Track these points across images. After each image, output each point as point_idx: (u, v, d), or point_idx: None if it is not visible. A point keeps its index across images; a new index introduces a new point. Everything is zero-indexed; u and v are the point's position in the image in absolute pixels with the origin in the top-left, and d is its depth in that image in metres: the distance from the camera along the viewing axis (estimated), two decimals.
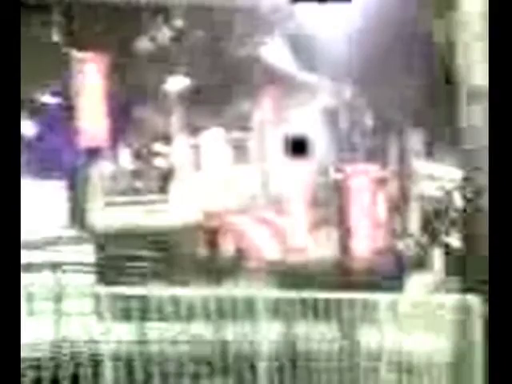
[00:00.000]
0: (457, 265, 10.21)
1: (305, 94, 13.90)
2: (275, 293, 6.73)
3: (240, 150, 16.31)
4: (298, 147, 12.36)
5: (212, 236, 14.28)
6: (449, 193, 17.42)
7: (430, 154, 19.82)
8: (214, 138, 16.49)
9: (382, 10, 14.61)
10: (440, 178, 19.67)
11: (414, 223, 16.87)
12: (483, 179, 7.65)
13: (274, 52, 15.17)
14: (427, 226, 16.96)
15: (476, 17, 7.39)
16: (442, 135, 16.45)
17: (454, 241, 11.93)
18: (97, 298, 6.10)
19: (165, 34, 14.94)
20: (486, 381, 7.11)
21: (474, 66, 7.58)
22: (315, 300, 6.55)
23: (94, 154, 15.72)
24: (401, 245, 13.58)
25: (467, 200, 7.90)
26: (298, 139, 12.73)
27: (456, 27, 7.61)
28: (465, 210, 8.01)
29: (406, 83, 15.45)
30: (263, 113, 15.44)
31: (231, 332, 6.48)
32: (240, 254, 12.79)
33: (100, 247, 14.22)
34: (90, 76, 14.79)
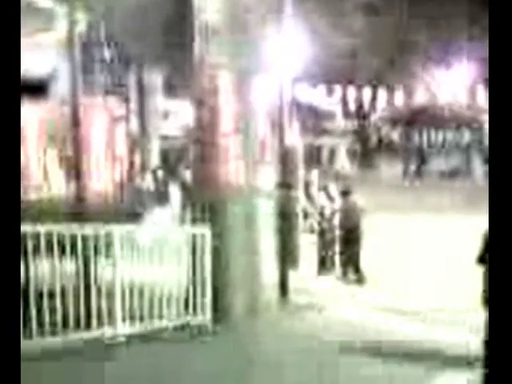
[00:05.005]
0: (191, 199, 10.68)
1: (40, 20, 13.23)
2: None
3: None
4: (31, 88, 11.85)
5: None
6: (186, 130, 17.96)
7: (170, 90, 20.17)
8: None
9: None
10: (179, 114, 20.18)
11: (154, 159, 17.20)
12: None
13: None
14: (166, 162, 17.42)
15: None
16: (182, 72, 16.79)
17: (188, 176, 12.43)
18: None
19: None
20: (215, 306, 7.74)
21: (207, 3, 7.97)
22: (50, 234, 6.51)
23: None
24: (140, 180, 13.80)
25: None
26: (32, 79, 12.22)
27: None
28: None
29: (148, 17, 15.46)
30: None
31: None
32: None
33: None
34: None
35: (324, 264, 11.12)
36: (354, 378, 6.15)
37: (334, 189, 12.00)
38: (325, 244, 11.19)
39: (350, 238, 10.93)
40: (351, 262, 10.93)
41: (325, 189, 12.04)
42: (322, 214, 11.44)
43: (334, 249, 11.15)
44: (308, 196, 12.50)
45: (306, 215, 11.68)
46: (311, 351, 6.90)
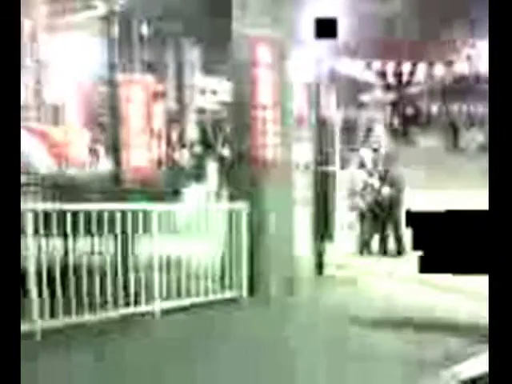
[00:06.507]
0: (228, 175, 10.71)
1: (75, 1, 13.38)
2: (47, 206, 6.65)
3: None
4: None
5: None
6: (223, 105, 17.97)
7: (207, 67, 20.18)
8: None
9: None
10: (216, 91, 20.17)
11: (191, 135, 17.27)
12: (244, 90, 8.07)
13: None
14: (203, 137, 17.46)
15: None
16: (219, 48, 16.77)
17: (227, 152, 12.44)
18: None
19: None
20: (251, 281, 7.83)
21: None
22: (88, 212, 6.60)
23: None
24: (178, 156, 13.89)
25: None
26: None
27: None
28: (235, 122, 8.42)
29: None
30: (34, 20, 14.63)
31: None
32: None
33: None
34: None
35: (365, 240, 11.07)
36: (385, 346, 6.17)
37: (372, 163, 11.84)
38: (365, 219, 11.12)
39: (390, 212, 10.86)
40: (391, 236, 10.88)
41: (363, 163, 11.90)
42: (362, 189, 11.33)
43: (374, 224, 11.07)
44: (347, 171, 12.39)
45: (349, 191, 11.57)
46: (344, 321, 6.97)
